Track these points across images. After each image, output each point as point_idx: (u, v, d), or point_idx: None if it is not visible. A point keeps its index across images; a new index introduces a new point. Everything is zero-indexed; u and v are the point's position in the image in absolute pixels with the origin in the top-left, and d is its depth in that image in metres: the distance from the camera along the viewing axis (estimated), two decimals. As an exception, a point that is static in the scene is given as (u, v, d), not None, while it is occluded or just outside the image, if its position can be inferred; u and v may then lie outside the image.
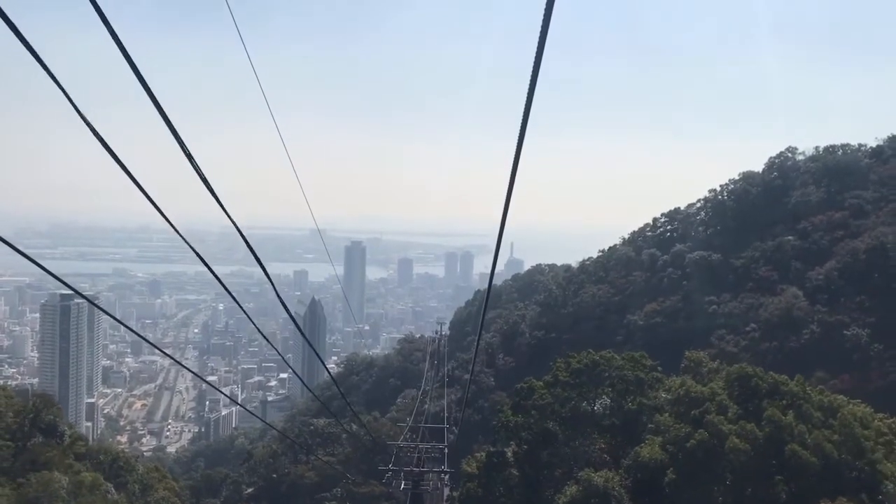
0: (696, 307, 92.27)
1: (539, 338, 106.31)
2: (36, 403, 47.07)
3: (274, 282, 11.38)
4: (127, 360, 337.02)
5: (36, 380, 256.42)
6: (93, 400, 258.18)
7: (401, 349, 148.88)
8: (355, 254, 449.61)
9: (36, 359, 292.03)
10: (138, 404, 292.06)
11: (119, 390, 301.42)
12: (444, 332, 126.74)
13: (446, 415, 75.63)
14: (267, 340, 17.88)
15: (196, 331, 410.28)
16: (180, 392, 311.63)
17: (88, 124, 6.08)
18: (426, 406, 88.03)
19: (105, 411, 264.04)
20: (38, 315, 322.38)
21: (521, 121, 5.56)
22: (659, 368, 46.79)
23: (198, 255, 9.46)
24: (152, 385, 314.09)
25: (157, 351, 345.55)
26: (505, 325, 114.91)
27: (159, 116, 6.49)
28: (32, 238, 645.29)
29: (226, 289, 10.41)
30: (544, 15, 4.66)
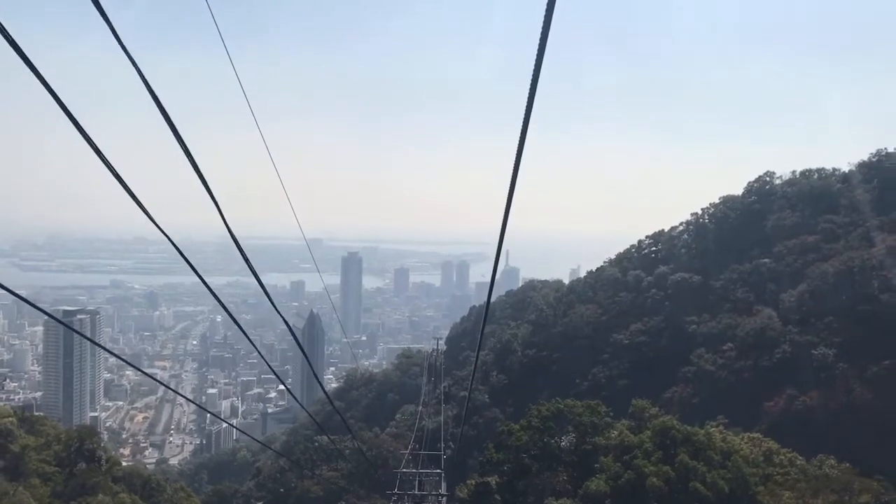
0: (677, 327, 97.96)
1: (531, 356, 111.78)
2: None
3: (271, 292, 11.37)
4: (127, 372, 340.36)
5: (39, 394, 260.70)
6: (95, 413, 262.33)
7: (399, 364, 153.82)
8: (352, 264, 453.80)
9: (37, 373, 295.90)
10: (140, 417, 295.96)
11: (120, 403, 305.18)
12: (441, 347, 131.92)
13: (443, 433, 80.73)
14: (263, 359, 21.98)
15: (194, 343, 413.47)
16: (181, 404, 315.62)
17: (83, 132, 6.20)
18: (424, 422, 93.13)
19: (107, 424, 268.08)
20: (37, 329, 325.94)
21: (519, 137, 5.56)
22: (611, 415, 55.07)
23: (193, 268, 9.41)
24: (153, 397, 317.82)
25: (156, 363, 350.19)
26: (498, 343, 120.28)
27: (161, 127, 6.63)
28: (30, 251, 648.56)
29: (224, 307, 10.61)
30: (542, 30, 4.62)
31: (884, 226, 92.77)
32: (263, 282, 10.30)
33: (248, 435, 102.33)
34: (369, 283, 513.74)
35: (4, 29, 5.29)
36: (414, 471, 44.40)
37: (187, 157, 7.07)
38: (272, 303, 11.76)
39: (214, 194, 7.57)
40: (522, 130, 5.51)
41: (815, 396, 77.62)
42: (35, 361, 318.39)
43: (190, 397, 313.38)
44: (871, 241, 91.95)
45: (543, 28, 4.61)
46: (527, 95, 5.16)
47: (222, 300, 10.55)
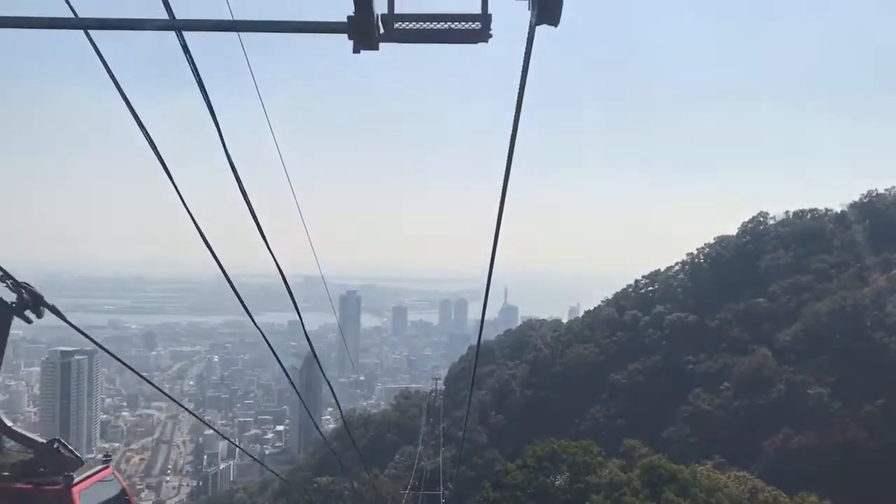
0: (674, 366, 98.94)
1: (529, 396, 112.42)
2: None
3: (268, 332, 11.18)
4: (124, 413, 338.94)
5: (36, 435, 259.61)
6: (92, 455, 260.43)
7: (397, 405, 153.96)
8: (350, 303, 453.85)
9: (33, 413, 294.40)
10: (136, 458, 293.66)
11: (116, 444, 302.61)
12: (440, 387, 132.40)
13: (441, 474, 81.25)
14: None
15: (191, 383, 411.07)
16: (177, 445, 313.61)
17: (175, 187, 6.33)
18: (423, 463, 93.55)
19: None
20: (33, 369, 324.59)
21: (500, 197, 5.63)
22: (603, 454, 56.71)
23: (246, 309, 9.31)
24: (150, 439, 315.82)
25: (152, 404, 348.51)
26: (497, 383, 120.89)
27: (154, 165, 6.48)
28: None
29: (275, 354, 10.51)
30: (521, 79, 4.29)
31: (875, 266, 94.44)
32: (260, 321, 10.00)
33: (272, 471, 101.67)
34: (367, 321, 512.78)
35: (120, 89, 5.70)
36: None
37: (183, 202, 7.03)
38: (269, 345, 11.36)
39: (206, 236, 7.17)
40: (503, 194, 5.68)
41: (811, 436, 78.38)
42: (31, 402, 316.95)
43: (188, 437, 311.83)
44: (863, 281, 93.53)
45: (517, 106, 4.59)
46: (506, 156, 5.13)
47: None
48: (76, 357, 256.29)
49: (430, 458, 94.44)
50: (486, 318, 9.85)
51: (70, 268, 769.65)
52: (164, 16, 5.30)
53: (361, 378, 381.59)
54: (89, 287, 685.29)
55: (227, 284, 8.53)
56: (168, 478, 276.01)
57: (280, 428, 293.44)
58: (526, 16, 3.82)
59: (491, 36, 4.36)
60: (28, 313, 7.20)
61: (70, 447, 7.27)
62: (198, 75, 5.64)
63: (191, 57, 5.54)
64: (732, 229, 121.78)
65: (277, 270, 7.92)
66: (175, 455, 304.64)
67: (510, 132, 4.81)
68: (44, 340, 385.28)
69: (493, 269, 7.19)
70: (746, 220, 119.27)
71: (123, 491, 6.84)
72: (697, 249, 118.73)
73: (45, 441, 7.12)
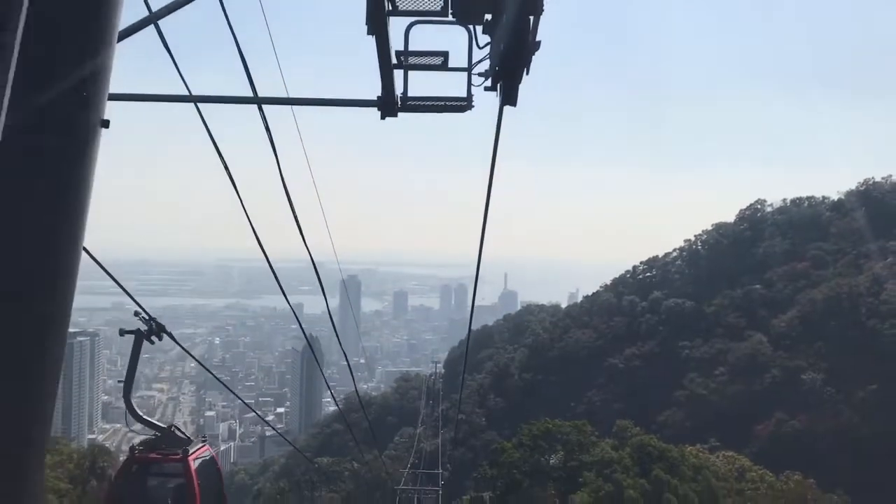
0: (670, 351, 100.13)
1: (528, 380, 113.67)
2: (93, 452, 54.66)
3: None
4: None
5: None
6: (94, 436, 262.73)
7: (398, 387, 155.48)
8: (351, 287, 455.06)
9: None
10: (137, 440, 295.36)
11: (118, 426, 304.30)
12: (439, 371, 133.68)
13: (440, 455, 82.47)
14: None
15: (192, 365, 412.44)
16: (179, 427, 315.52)
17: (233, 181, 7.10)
18: (423, 445, 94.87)
19: (106, 447, 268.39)
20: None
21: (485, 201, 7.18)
22: (596, 434, 58.31)
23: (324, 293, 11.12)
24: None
25: (154, 386, 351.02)
26: (496, 367, 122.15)
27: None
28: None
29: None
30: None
31: (872, 253, 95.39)
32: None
33: (300, 451, 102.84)
34: (368, 305, 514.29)
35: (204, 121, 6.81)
36: (413, 488, 46.62)
37: (236, 190, 7.94)
38: (301, 326, 12.90)
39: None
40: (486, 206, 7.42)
41: (804, 420, 79.68)
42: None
43: (189, 419, 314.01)
44: (859, 269, 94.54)
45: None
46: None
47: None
48: (78, 339, 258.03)
49: (429, 439, 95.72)
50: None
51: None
52: None
53: (362, 361, 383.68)
54: (92, 270, 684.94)
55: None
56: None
57: (280, 410, 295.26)
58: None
59: (473, 106, 6.25)
60: (153, 338, 8.97)
61: (182, 431, 9.25)
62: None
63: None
64: (731, 217, 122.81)
65: (265, 254, 9.01)
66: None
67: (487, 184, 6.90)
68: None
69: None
70: (744, 207, 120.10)
71: (214, 459, 9.69)
72: (695, 236, 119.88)
73: (164, 426, 9.15)
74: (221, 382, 18.85)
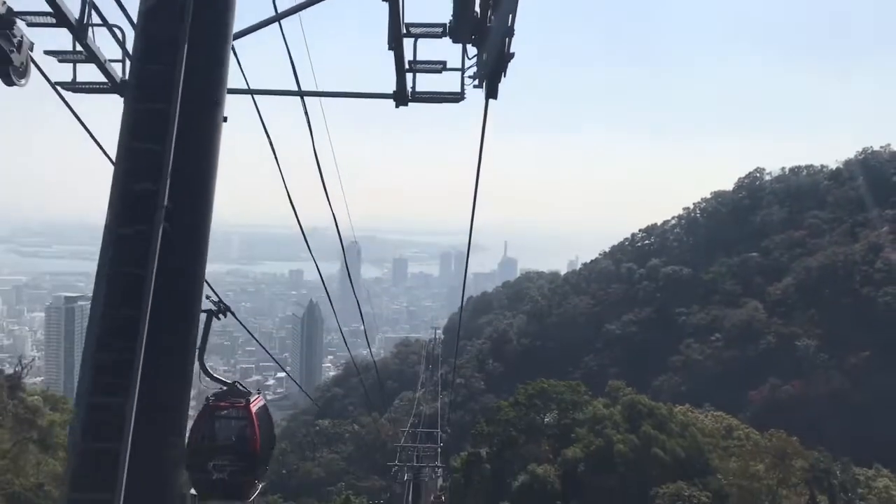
0: (667, 317, 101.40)
1: (526, 345, 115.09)
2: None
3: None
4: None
5: (40, 379, 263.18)
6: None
7: (398, 352, 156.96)
8: (351, 253, 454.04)
9: (37, 358, 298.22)
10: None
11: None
12: (439, 336, 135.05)
13: (440, 417, 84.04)
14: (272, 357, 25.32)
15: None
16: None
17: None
18: (422, 408, 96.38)
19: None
20: (36, 315, 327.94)
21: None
22: (590, 393, 60.37)
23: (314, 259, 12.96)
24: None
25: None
26: (495, 332, 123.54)
27: None
28: (28, 237, 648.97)
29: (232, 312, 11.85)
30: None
31: (868, 222, 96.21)
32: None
33: (304, 391, 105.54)
34: (368, 272, 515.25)
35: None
36: (413, 445, 48.20)
37: (275, 158, 9.99)
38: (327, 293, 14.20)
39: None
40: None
41: (797, 385, 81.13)
42: (35, 347, 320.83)
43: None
44: (855, 237, 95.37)
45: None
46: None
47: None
48: (79, 302, 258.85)
49: (428, 402, 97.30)
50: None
51: (69, 214, 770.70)
52: None
53: (362, 328, 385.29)
54: (89, 234, 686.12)
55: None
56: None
57: (281, 375, 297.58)
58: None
59: (464, 97, 8.21)
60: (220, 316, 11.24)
61: (243, 386, 11.97)
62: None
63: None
64: (729, 185, 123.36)
65: (299, 222, 11.16)
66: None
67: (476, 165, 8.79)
68: (46, 287, 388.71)
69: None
70: (743, 175, 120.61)
71: (266, 407, 11.72)
72: (694, 204, 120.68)
73: (231, 382, 11.83)
74: (274, 359, 19.63)
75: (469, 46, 7.44)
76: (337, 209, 12.10)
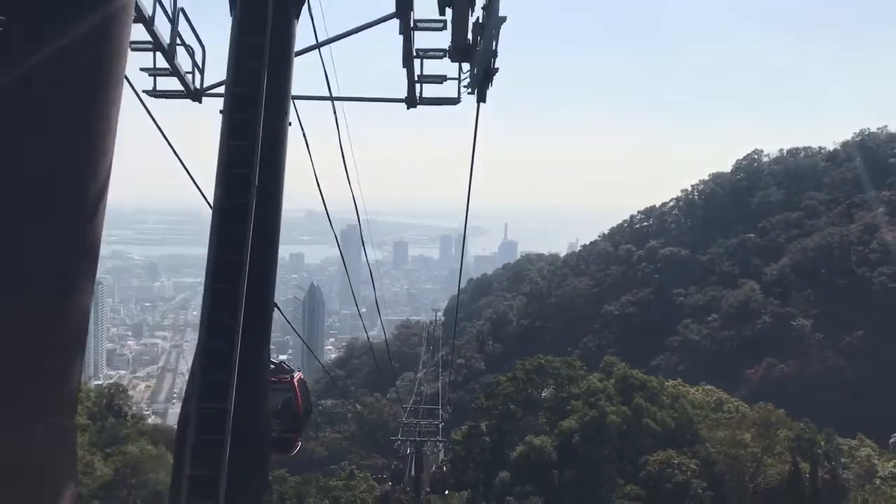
0: (665, 298, 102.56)
1: (525, 326, 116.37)
2: (110, 391, 57.31)
3: None
4: (129, 342, 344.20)
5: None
6: (99, 382, 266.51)
7: (399, 334, 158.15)
8: (351, 236, 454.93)
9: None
10: (142, 386, 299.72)
11: (123, 372, 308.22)
12: (439, 318, 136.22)
13: (441, 395, 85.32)
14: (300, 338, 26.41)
15: (195, 313, 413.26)
16: (182, 373, 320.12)
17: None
18: (423, 388, 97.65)
19: (123, 386, 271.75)
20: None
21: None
22: (584, 368, 63.24)
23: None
24: (154, 367, 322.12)
25: (157, 333, 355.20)
26: (494, 314, 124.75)
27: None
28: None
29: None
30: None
31: (864, 203, 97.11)
32: None
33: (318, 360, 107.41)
34: (368, 255, 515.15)
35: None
36: (415, 420, 49.49)
37: (305, 139, 11.20)
38: (348, 277, 15.23)
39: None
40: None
41: (793, 364, 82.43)
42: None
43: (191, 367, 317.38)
44: (851, 218, 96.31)
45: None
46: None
47: None
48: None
49: (429, 383, 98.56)
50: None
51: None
52: None
53: (363, 310, 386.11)
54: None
55: None
56: (173, 404, 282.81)
57: (283, 357, 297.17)
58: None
59: (460, 101, 10.37)
60: None
61: (287, 364, 13.49)
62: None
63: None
64: (728, 167, 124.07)
65: (325, 205, 12.61)
66: (180, 382, 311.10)
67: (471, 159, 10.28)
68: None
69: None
70: (741, 157, 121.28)
71: (305, 381, 13.04)
72: (692, 186, 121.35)
73: (277, 361, 12.79)
74: (306, 344, 20.60)
75: (463, 64, 9.37)
76: (346, 194, 13.58)
